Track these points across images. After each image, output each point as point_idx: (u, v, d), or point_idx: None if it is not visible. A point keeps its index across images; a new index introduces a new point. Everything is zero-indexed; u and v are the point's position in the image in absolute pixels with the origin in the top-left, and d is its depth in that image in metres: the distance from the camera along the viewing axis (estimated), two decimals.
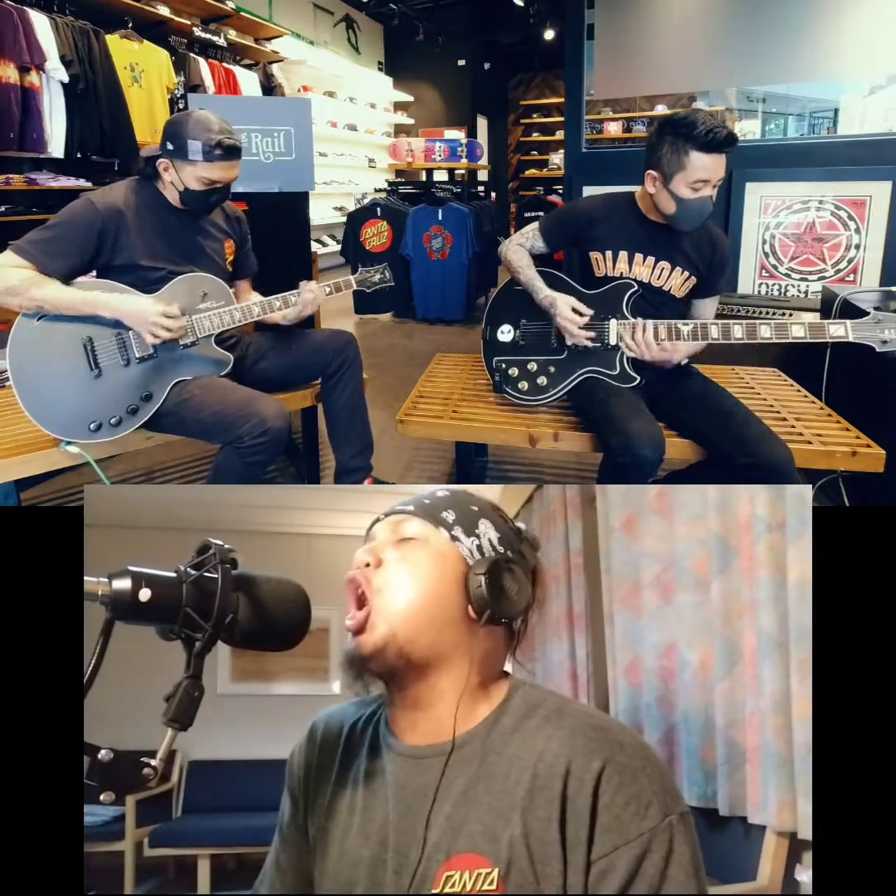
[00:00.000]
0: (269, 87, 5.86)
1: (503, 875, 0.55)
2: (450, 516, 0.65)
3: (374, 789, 0.64)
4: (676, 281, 1.78)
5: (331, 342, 1.95)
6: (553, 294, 1.79)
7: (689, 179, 1.60)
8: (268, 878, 0.73)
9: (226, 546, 0.57)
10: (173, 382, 1.70)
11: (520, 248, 1.87)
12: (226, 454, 1.66)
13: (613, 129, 9.08)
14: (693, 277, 1.79)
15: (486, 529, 0.66)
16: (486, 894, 0.54)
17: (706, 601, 1.25)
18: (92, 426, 1.63)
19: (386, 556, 0.64)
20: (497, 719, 0.62)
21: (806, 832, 1.03)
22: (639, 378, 1.76)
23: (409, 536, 0.64)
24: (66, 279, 1.60)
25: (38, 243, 1.56)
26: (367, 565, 0.64)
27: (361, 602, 0.63)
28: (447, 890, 0.56)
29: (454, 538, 0.64)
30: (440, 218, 5.06)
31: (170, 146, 1.64)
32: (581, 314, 1.75)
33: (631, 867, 0.52)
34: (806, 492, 1.12)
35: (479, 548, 0.64)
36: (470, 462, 2.25)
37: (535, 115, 10.78)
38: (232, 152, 1.65)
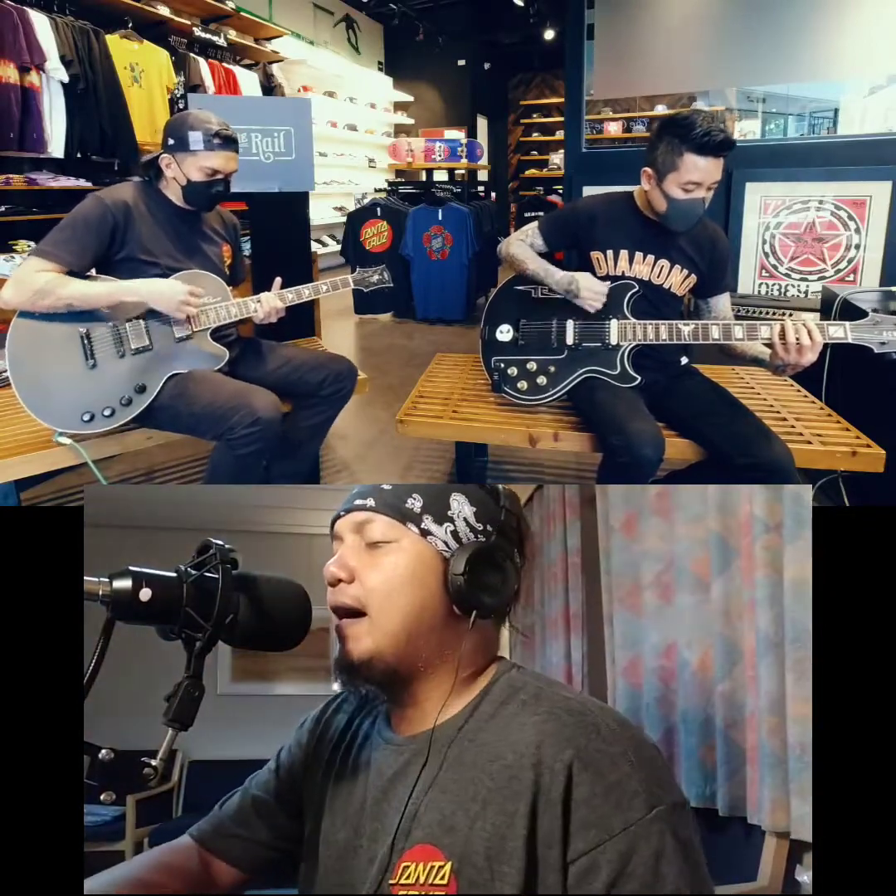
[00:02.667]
0: (269, 87, 5.86)
1: (455, 870, 0.51)
2: (416, 504, 0.60)
3: (357, 777, 0.64)
4: (676, 279, 1.78)
5: (334, 367, 1.91)
6: (572, 273, 1.78)
7: (681, 180, 1.60)
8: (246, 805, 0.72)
9: (226, 546, 0.57)
10: (168, 375, 1.71)
11: (521, 243, 1.87)
12: (219, 450, 1.67)
13: (613, 129, 9.08)
14: (693, 275, 1.79)
15: (460, 506, 0.61)
16: (436, 889, 0.51)
17: (706, 601, 1.25)
18: (85, 416, 1.63)
19: (358, 568, 0.60)
20: (477, 706, 0.59)
21: (799, 832, 1.03)
22: (639, 378, 1.76)
23: (377, 540, 0.60)
24: (86, 272, 1.65)
25: (58, 243, 1.60)
26: (340, 582, 0.61)
27: (345, 614, 0.61)
28: (403, 881, 0.53)
29: (425, 532, 0.60)
30: (440, 218, 5.06)
31: (171, 141, 1.70)
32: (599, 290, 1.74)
33: (615, 865, 0.47)
34: (804, 492, 1.12)
35: (455, 534, 0.60)
36: (470, 462, 2.26)
37: (535, 115, 10.78)
38: (230, 142, 1.71)
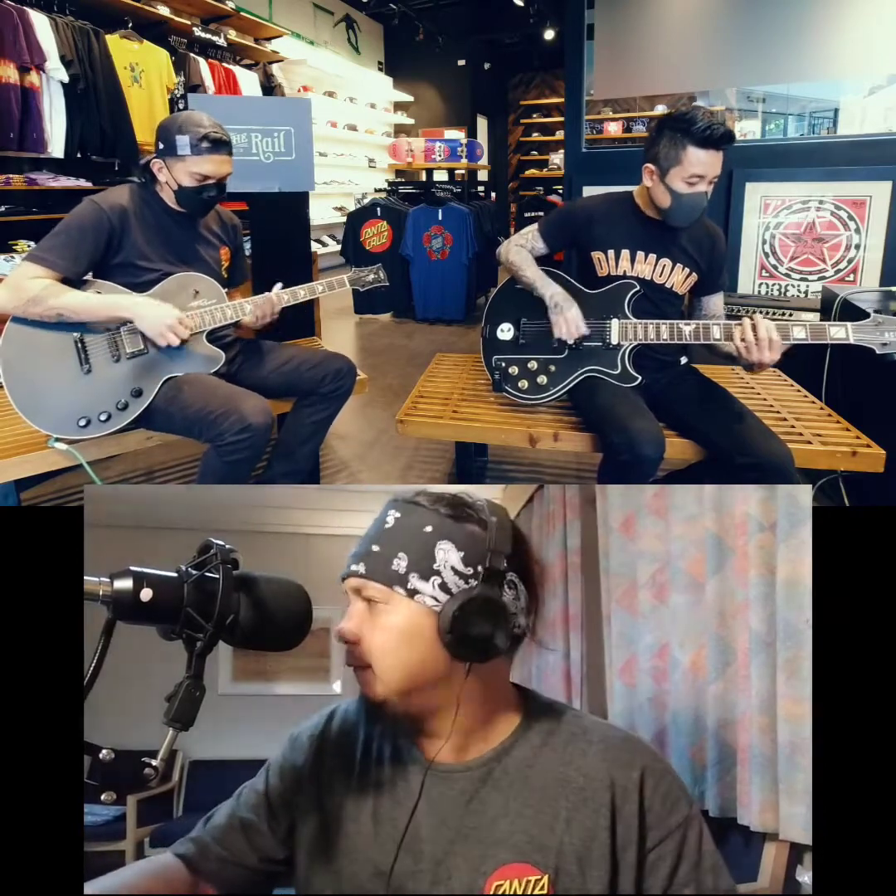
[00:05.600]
0: (269, 87, 5.86)
1: (552, 880, 0.59)
2: (402, 564, 0.61)
3: (399, 800, 0.65)
4: (678, 277, 1.78)
5: (333, 364, 1.91)
6: (566, 298, 1.78)
7: (685, 174, 1.61)
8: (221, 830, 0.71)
9: (227, 546, 0.57)
10: (164, 379, 1.70)
11: (520, 249, 1.88)
12: (208, 455, 1.66)
13: (613, 129, 9.07)
14: (694, 274, 1.79)
15: (446, 556, 0.61)
16: None
17: (700, 601, 1.25)
18: (81, 422, 1.63)
19: (361, 629, 0.63)
20: (522, 736, 0.65)
21: (788, 833, 1.03)
22: (639, 377, 1.76)
23: (374, 600, 0.62)
24: (81, 278, 1.64)
25: (52, 249, 1.59)
26: (351, 642, 0.63)
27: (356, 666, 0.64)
28: None
29: (412, 592, 0.61)
30: (440, 218, 5.06)
31: (161, 146, 1.68)
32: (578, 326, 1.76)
33: (675, 853, 0.60)
34: (800, 491, 1.12)
35: (443, 586, 0.61)
36: (470, 462, 2.26)
37: (535, 115, 10.78)
38: (219, 145, 1.67)
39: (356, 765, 0.68)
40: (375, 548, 0.63)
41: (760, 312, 2.84)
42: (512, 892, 0.59)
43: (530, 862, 0.60)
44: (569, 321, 1.76)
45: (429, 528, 0.62)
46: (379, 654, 0.62)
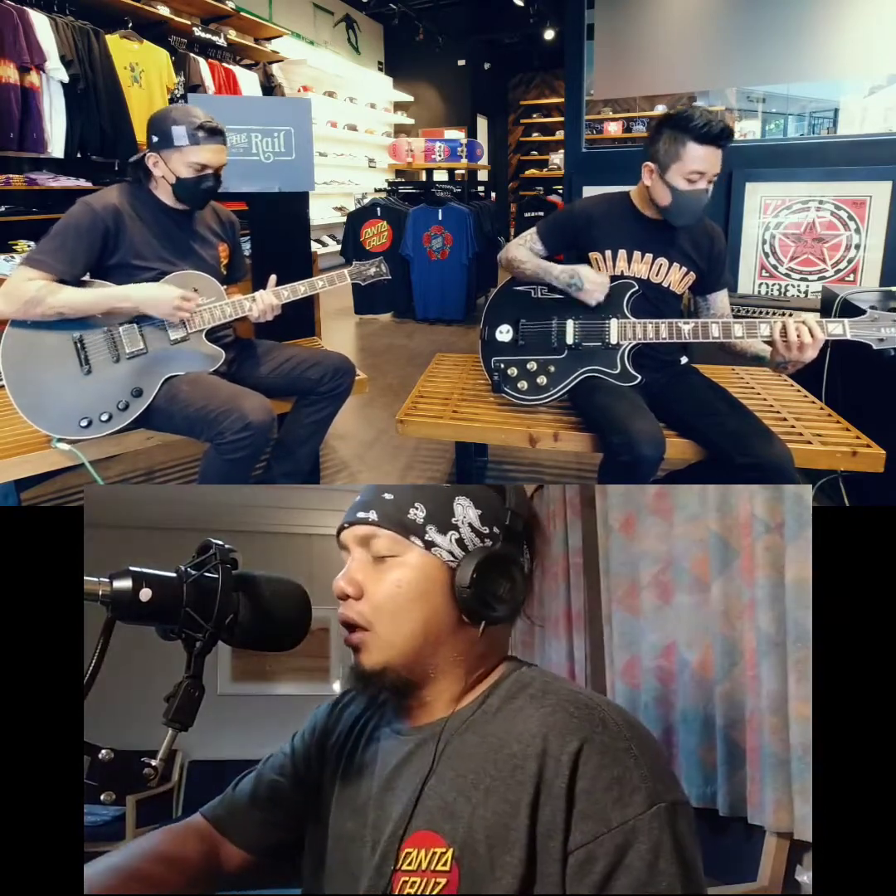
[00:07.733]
0: (269, 87, 5.86)
1: (456, 857, 0.52)
2: (419, 514, 0.59)
3: (364, 771, 0.64)
4: (675, 277, 1.78)
5: (331, 363, 1.91)
6: (571, 266, 1.78)
7: (685, 170, 1.62)
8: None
9: (226, 546, 0.58)
10: (164, 378, 1.71)
11: (520, 247, 1.88)
12: (209, 455, 1.66)
13: (613, 129, 9.06)
14: (692, 273, 1.79)
15: (464, 512, 0.60)
16: (438, 876, 0.52)
17: (705, 601, 1.25)
18: (82, 422, 1.64)
19: (365, 582, 0.60)
20: (484, 700, 0.59)
21: (802, 833, 1.03)
22: (639, 377, 1.76)
23: (383, 555, 0.59)
24: (79, 280, 1.64)
25: (49, 252, 1.59)
26: (348, 597, 0.60)
27: (353, 628, 0.61)
28: (405, 867, 0.54)
29: (429, 544, 0.59)
30: (440, 218, 5.06)
31: (155, 139, 1.68)
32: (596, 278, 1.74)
33: (612, 858, 0.47)
34: (805, 492, 1.12)
35: (460, 541, 0.59)
36: (470, 462, 2.25)
37: (535, 115, 10.77)
38: (215, 134, 1.68)
39: (339, 744, 0.69)
40: (388, 496, 0.60)
41: (760, 312, 2.85)
42: (418, 863, 0.53)
43: (439, 831, 0.53)
44: (591, 286, 1.73)
45: (446, 484, 0.61)
46: (387, 611, 0.59)
